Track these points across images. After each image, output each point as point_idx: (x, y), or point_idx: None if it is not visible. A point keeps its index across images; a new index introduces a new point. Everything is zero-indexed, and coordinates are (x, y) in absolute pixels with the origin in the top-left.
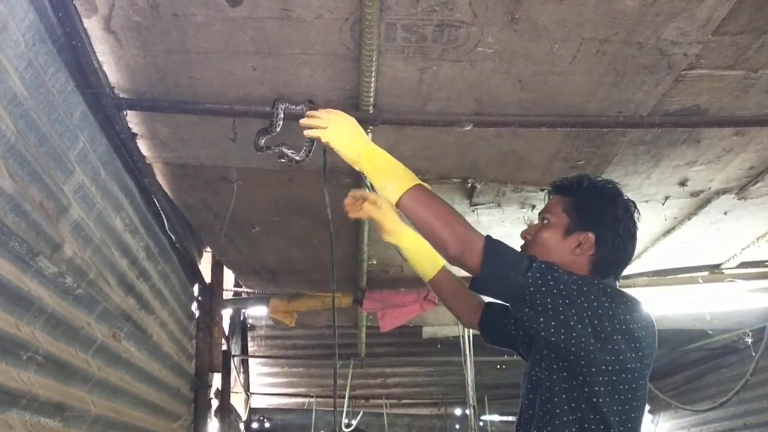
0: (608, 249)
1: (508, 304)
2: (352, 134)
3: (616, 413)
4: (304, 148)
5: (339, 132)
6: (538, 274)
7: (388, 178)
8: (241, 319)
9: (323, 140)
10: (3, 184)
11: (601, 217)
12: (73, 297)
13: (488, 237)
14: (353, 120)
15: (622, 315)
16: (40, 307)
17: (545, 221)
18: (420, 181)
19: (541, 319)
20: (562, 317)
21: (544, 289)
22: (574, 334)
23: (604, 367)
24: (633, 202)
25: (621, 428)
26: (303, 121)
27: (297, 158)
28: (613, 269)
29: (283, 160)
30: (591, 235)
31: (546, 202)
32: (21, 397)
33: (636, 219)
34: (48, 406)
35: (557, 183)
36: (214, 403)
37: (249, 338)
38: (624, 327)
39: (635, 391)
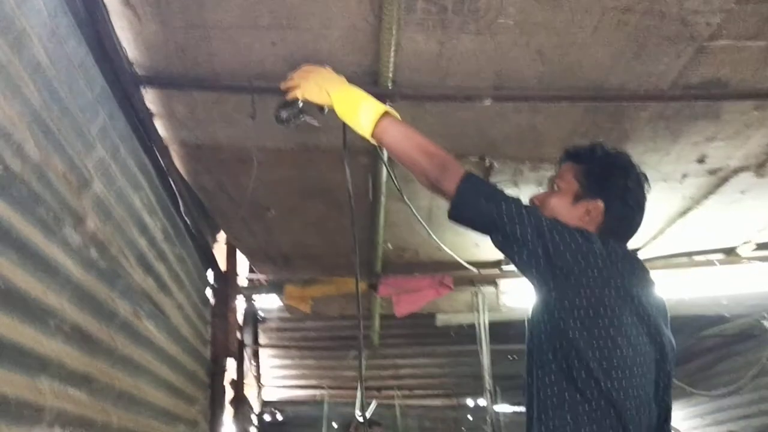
0: (616, 219)
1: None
2: (322, 82)
3: (595, 349)
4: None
5: (310, 84)
6: (513, 206)
7: (358, 113)
8: (253, 311)
9: (300, 97)
10: (29, 151)
11: (612, 186)
12: (97, 270)
13: (469, 170)
14: (325, 69)
15: (599, 252)
16: (66, 276)
17: (555, 187)
18: (388, 108)
19: (514, 248)
20: (531, 247)
21: (516, 219)
22: (542, 263)
23: (577, 302)
24: (645, 175)
25: (603, 364)
26: (282, 86)
27: (316, 124)
28: (619, 238)
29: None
30: (600, 203)
31: (557, 169)
32: (49, 364)
33: (646, 192)
34: (75, 377)
35: (569, 150)
36: (228, 393)
37: (260, 331)
38: (600, 263)
39: (618, 329)
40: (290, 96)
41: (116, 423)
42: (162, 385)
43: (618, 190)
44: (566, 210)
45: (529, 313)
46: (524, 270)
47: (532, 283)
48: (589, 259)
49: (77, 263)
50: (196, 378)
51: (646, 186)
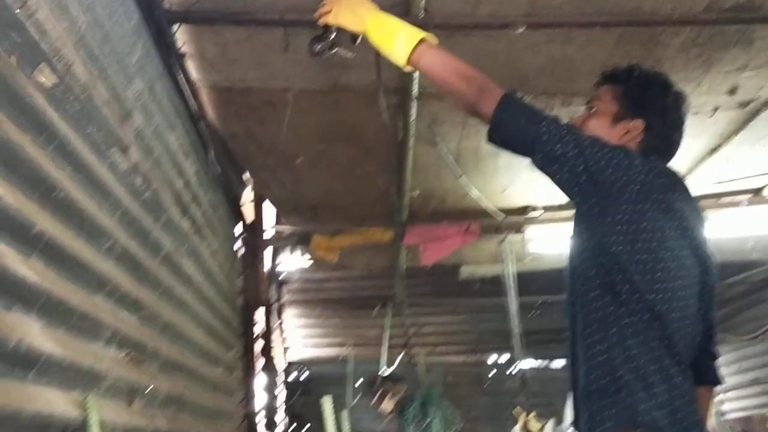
0: (656, 137)
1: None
2: (356, 8)
3: (638, 262)
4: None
5: (343, 10)
6: (552, 125)
7: (393, 40)
8: (276, 271)
9: (332, 23)
10: (78, 71)
11: (651, 105)
12: (142, 200)
13: (507, 91)
14: None
15: (640, 167)
16: (116, 199)
17: (593, 109)
18: (426, 34)
19: (555, 167)
20: (572, 163)
21: (556, 137)
22: (584, 179)
23: (619, 217)
24: (682, 94)
25: (646, 277)
26: (316, 14)
27: (349, 55)
28: (659, 157)
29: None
30: (640, 122)
31: (594, 92)
32: (106, 283)
33: (684, 111)
34: (128, 300)
35: (607, 72)
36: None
37: (283, 291)
38: (642, 177)
39: (661, 242)
40: (322, 21)
41: (164, 352)
42: (202, 325)
43: (657, 108)
44: (606, 130)
45: (571, 230)
46: (565, 188)
47: (574, 201)
48: (629, 174)
49: (125, 188)
50: (231, 325)
51: (684, 105)
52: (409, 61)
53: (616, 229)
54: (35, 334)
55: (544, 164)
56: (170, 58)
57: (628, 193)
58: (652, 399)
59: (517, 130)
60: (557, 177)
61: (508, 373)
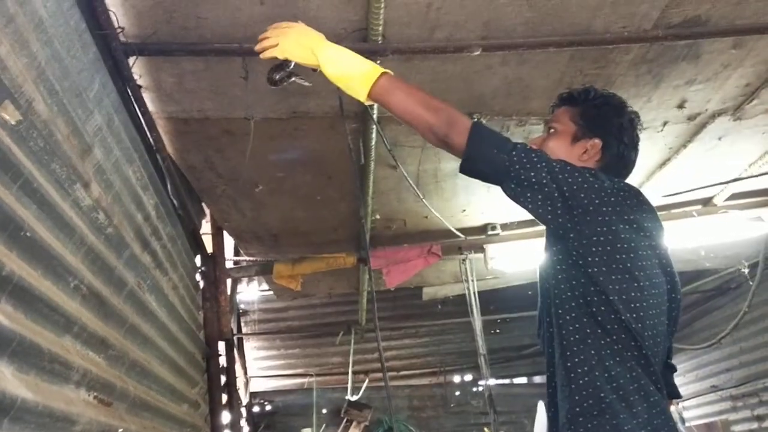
0: (613, 156)
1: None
2: (303, 40)
3: (614, 282)
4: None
5: (290, 42)
6: (522, 153)
7: (351, 73)
8: (234, 302)
9: (279, 57)
10: (39, 107)
11: (607, 125)
12: (105, 236)
13: (476, 121)
14: (302, 26)
15: (609, 189)
16: (80, 236)
17: (552, 130)
18: (385, 70)
19: (528, 194)
20: (546, 189)
21: (528, 165)
22: (559, 205)
23: (594, 238)
24: (637, 114)
25: (623, 297)
26: (257, 47)
27: (307, 84)
28: (617, 176)
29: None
30: (597, 142)
31: (551, 114)
32: (73, 323)
33: (639, 130)
34: (94, 340)
35: (563, 94)
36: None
37: (242, 323)
38: (613, 199)
39: (635, 261)
40: (267, 55)
41: (132, 392)
42: (167, 361)
43: (613, 128)
44: (565, 151)
45: (543, 257)
46: (539, 213)
47: (548, 225)
48: (601, 195)
49: (88, 225)
50: (195, 360)
51: (638, 124)
52: (370, 96)
53: (592, 251)
54: (8, 379)
55: (517, 192)
56: (127, 90)
57: (602, 215)
58: (635, 419)
59: (490, 160)
60: (530, 203)
61: (473, 391)
